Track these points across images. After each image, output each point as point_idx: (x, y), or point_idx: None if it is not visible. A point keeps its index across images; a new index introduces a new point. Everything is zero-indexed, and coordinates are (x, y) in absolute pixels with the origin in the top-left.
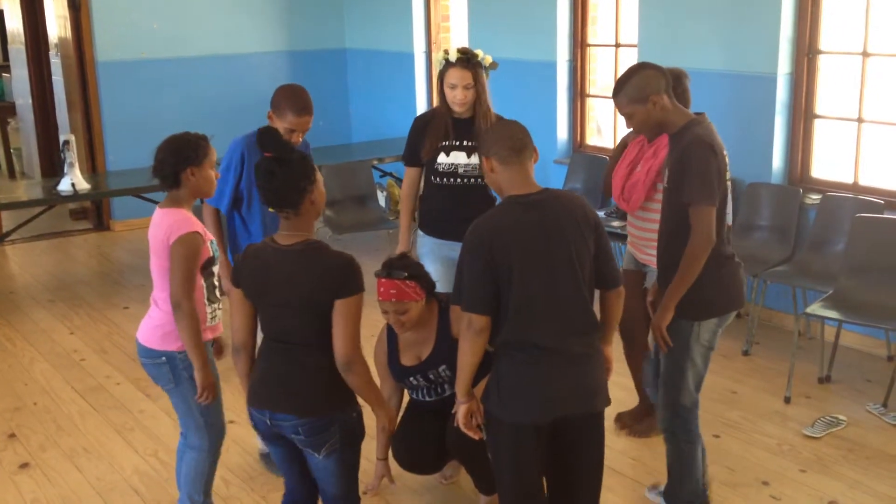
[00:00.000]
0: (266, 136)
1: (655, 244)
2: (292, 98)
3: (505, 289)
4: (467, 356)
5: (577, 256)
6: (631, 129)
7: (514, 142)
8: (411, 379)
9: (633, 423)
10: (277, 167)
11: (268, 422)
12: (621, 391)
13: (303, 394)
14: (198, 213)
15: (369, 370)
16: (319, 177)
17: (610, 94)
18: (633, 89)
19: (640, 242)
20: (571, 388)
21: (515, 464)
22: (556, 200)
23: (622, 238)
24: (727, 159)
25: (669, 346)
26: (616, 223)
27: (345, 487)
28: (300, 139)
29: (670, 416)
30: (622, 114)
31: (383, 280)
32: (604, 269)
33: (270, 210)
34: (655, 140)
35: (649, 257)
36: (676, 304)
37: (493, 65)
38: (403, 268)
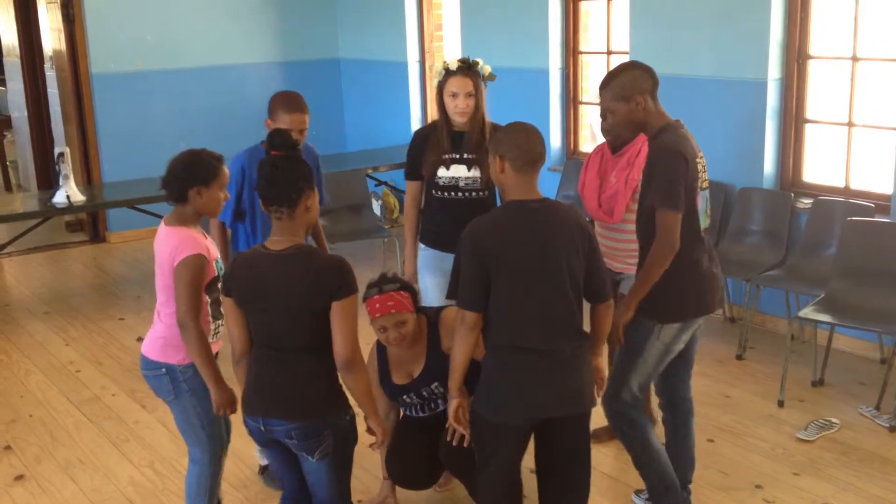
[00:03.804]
0: (276, 136)
1: (630, 253)
2: (283, 99)
3: (495, 290)
4: (459, 351)
5: (569, 266)
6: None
7: (533, 155)
8: (405, 397)
9: (609, 438)
10: (282, 162)
11: (262, 428)
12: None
13: (295, 398)
14: (204, 225)
15: (368, 374)
16: (316, 191)
17: None
18: (619, 86)
19: (615, 252)
20: (557, 390)
21: (497, 464)
22: (555, 210)
23: None
24: (703, 165)
25: (623, 343)
26: None
27: (336, 491)
28: (301, 140)
29: (609, 406)
30: (602, 107)
31: (377, 296)
32: (594, 283)
33: (267, 211)
34: (624, 149)
35: (625, 266)
36: (644, 303)
37: (492, 76)
38: (393, 281)
